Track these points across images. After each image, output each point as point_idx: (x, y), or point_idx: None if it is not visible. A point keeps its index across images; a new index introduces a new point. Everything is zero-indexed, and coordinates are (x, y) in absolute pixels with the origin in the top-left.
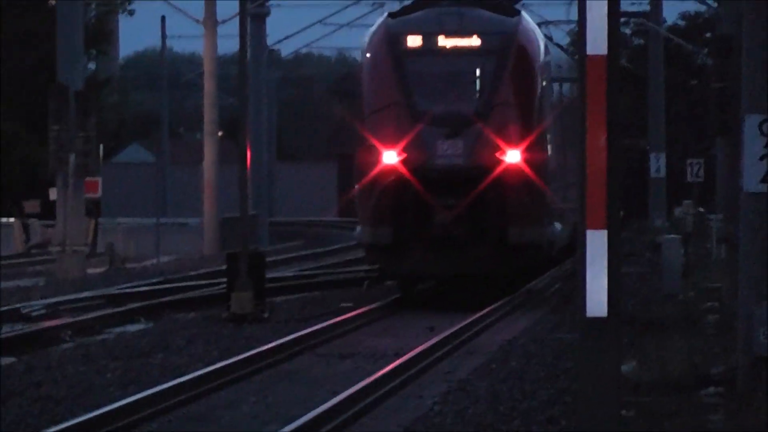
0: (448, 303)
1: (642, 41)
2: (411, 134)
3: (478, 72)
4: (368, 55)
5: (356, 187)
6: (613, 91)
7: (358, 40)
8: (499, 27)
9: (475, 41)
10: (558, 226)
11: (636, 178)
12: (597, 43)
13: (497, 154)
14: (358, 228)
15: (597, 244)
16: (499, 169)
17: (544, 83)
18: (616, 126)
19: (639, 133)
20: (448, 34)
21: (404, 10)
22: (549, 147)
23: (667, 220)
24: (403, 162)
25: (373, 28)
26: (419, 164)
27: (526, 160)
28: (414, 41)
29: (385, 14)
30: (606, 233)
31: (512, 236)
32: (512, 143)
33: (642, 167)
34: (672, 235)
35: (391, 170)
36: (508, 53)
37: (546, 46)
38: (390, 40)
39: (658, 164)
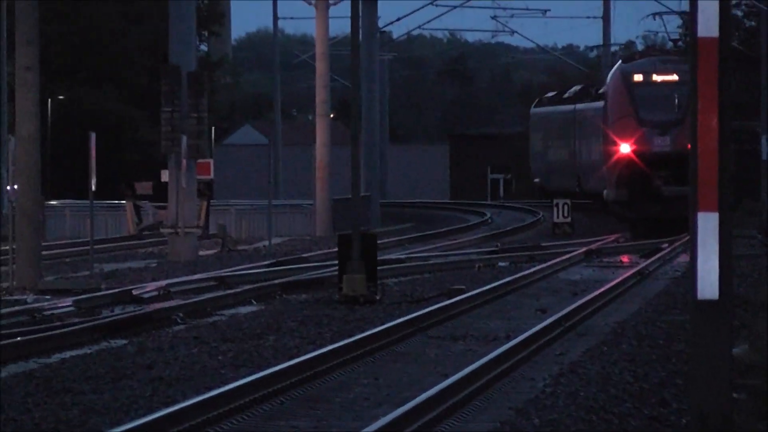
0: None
1: (754, 23)
2: (638, 134)
3: (676, 95)
4: (610, 85)
5: (604, 167)
6: (725, 73)
7: (470, 21)
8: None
9: (674, 77)
10: None
11: (748, 159)
12: (708, 25)
13: (689, 145)
14: (605, 191)
15: (708, 226)
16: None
17: None
18: (728, 108)
19: (751, 115)
20: (659, 73)
21: (631, 58)
22: None
23: None
24: (633, 151)
25: (612, 69)
26: (643, 151)
27: None
28: (638, 77)
29: (620, 61)
30: (717, 216)
31: None
32: None
33: (754, 149)
34: None
35: (626, 156)
36: None
37: None
38: (624, 76)
39: None
